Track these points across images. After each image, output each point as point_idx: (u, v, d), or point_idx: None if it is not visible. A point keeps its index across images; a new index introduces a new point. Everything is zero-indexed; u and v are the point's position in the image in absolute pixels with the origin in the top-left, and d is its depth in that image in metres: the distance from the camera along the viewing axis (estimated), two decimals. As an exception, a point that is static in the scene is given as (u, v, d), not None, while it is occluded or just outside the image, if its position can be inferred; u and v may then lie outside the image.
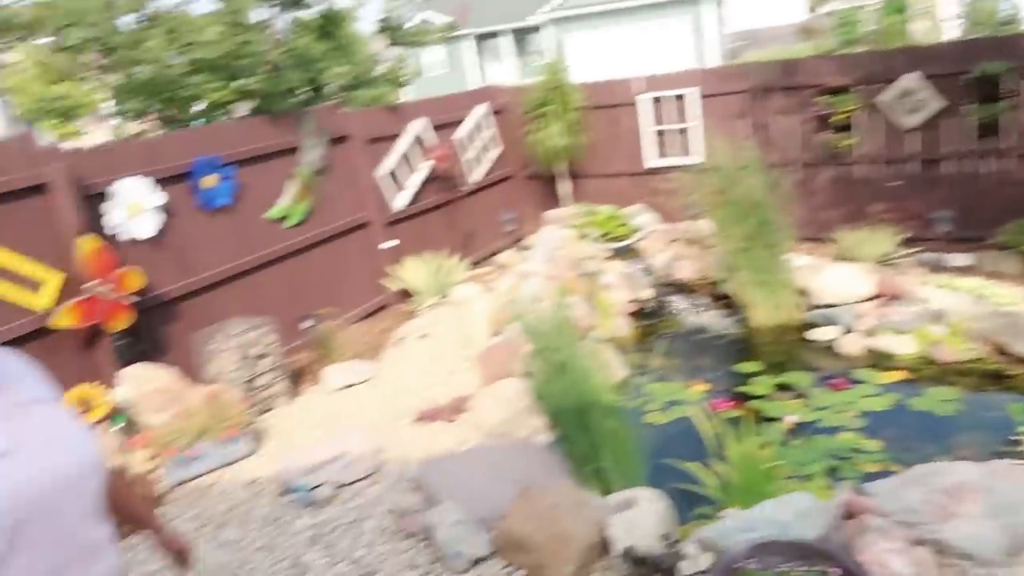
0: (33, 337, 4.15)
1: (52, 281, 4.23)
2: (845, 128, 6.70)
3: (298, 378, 5.45)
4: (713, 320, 6.17)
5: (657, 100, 7.60)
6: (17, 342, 4.04)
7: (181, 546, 1.99)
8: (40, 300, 4.19)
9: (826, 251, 6.58)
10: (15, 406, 1.53)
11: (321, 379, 5.32)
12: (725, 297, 6.24)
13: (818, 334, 5.54)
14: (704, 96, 7.41)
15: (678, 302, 6.30)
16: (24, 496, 1.43)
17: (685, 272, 6.46)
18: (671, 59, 19.36)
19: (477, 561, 3.22)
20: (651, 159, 7.75)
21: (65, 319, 4.21)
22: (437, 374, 5.30)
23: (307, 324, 5.15)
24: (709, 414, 4.12)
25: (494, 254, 7.91)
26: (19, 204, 4.14)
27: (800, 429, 4.35)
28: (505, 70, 25.82)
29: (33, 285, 4.19)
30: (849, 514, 3.18)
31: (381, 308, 6.73)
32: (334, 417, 4.85)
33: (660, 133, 7.69)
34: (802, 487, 3.75)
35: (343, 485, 3.97)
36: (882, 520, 2.98)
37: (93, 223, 4.44)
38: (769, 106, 7.09)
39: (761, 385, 4.96)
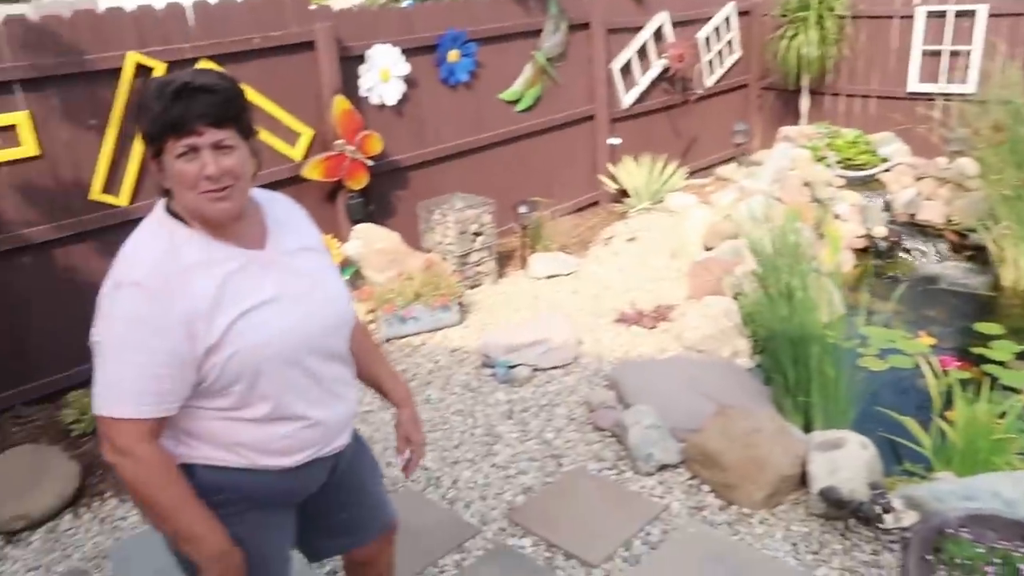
0: (288, 184, 4.56)
1: (305, 135, 4.59)
2: None
3: (505, 261, 5.62)
4: (954, 271, 5.56)
5: (933, 14, 6.70)
6: (275, 187, 4.45)
7: (418, 438, 1.95)
8: (295, 152, 4.58)
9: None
10: (283, 254, 1.60)
11: (527, 265, 5.44)
12: (974, 248, 5.57)
13: (1083, 304, 4.84)
14: (992, 15, 6.43)
15: (916, 245, 5.72)
16: (280, 342, 1.52)
17: (930, 213, 5.81)
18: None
19: (663, 467, 3.24)
20: (914, 82, 6.92)
21: (313, 172, 4.58)
22: (641, 278, 5.25)
23: (523, 209, 5.24)
24: (935, 369, 3.78)
25: (716, 165, 7.56)
26: (287, 59, 4.46)
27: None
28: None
29: (291, 137, 4.57)
30: (1092, 507, 2.84)
31: (593, 204, 6.71)
32: (536, 303, 4.98)
33: (929, 53, 6.81)
34: (1034, 467, 3.39)
35: (540, 369, 4.10)
36: None
37: (346, 85, 4.70)
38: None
39: (1001, 350, 4.45)
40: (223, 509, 1.56)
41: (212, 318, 1.44)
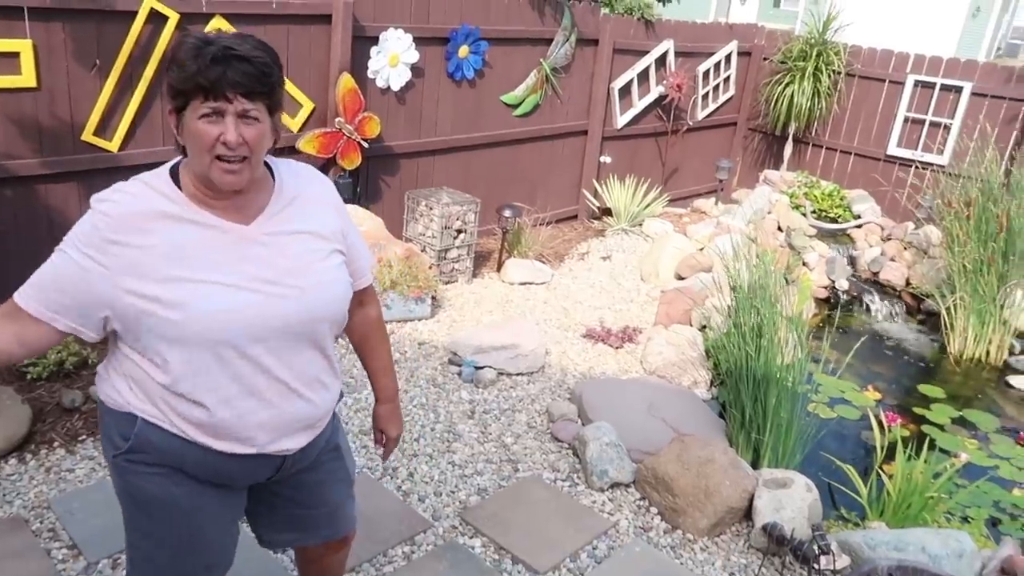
0: (280, 154, 4.49)
1: (306, 107, 4.59)
2: None
3: (482, 261, 5.68)
4: (905, 332, 5.80)
5: (921, 84, 6.97)
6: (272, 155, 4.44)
7: (394, 433, 1.96)
8: (293, 123, 4.57)
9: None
10: (268, 234, 1.54)
11: (503, 269, 5.51)
12: (928, 313, 5.83)
13: (1021, 382, 5.09)
14: (975, 93, 6.72)
15: (874, 303, 5.95)
16: (222, 323, 1.46)
17: (892, 274, 6.05)
18: (933, 36, 17.12)
19: (615, 485, 3.34)
20: (894, 146, 7.19)
21: (308, 146, 4.58)
22: (612, 298, 5.36)
23: (507, 213, 5.30)
24: (881, 423, 3.97)
25: (694, 197, 7.73)
26: (301, 29, 4.45)
27: (970, 471, 4.10)
28: (747, 8, 24.32)
29: (292, 107, 4.56)
30: (1008, 571, 3.01)
31: (572, 218, 6.81)
32: (507, 308, 5.04)
33: (912, 120, 7.08)
34: (958, 527, 3.57)
35: (506, 373, 4.17)
36: (1048, 593, 2.81)
37: (354, 64, 4.71)
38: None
39: (940, 413, 4.67)
40: (157, 467, 1.55)
41: (153, 269, 1.43)
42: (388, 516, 2.99)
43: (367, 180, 5.14)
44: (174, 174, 1.52)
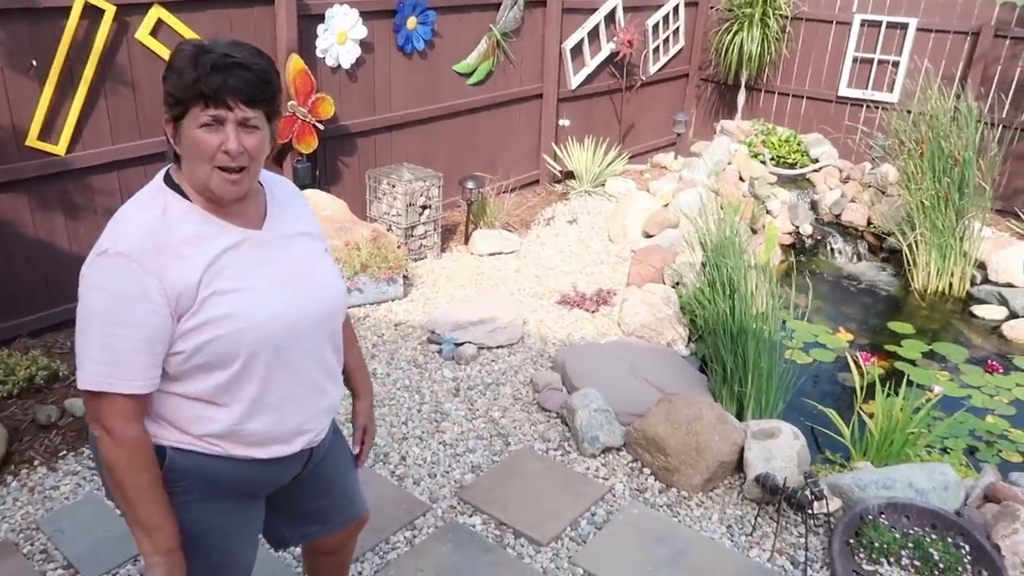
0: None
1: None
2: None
3: (448, 235, 5.62)
4: (870, 271, 5.91)
5: (868, 23, 7.02)
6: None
7: (373, 429, 1.97)
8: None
9: (1016, 226, 6.13)
10: (280, 237, 1.57)
11: (470, 241, 5.46)
12: (890, 251, 5.94)
13: (984, 311, 5.24)
14: (919, 29, 6.79)
15: (838, 244, 6.04)
16: (267, 327, 1.47)
17: (853, 215, 6.14)
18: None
19: (607, 450, 3.37)
20: (844, 87, 7.25)
21: (262, 133, 4.44)
22: (582, 262, 5.36)
23: (471, 185, 5.24)
24: (859, 365, 4.05)
25: (652, 152, 7.74)
26: (244, 12, 4.29)
27: (944, 402, 4.22)
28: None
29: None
30: (991, 497, 3.12)
31: (533, 183, 6.76)
32: (479, 280, 5.01)
33: (861, 60, 7.14)
34: (939, 460, 3.69)
35: (486, 347, 4.15)
36: (1032, 514, 2.92)
37: (302, 44, 4.57)
38: (994, 55, 6.43)
39: (911, 349, 4.79)
40: (190, 495, 1.53)
41: (198, 295, 1.40)
42: (385, 502, 2.98)
43: (325, 163, 5.03)
44: (172, 184, 1.49)
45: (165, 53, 3.99)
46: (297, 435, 1.60)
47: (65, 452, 3.18)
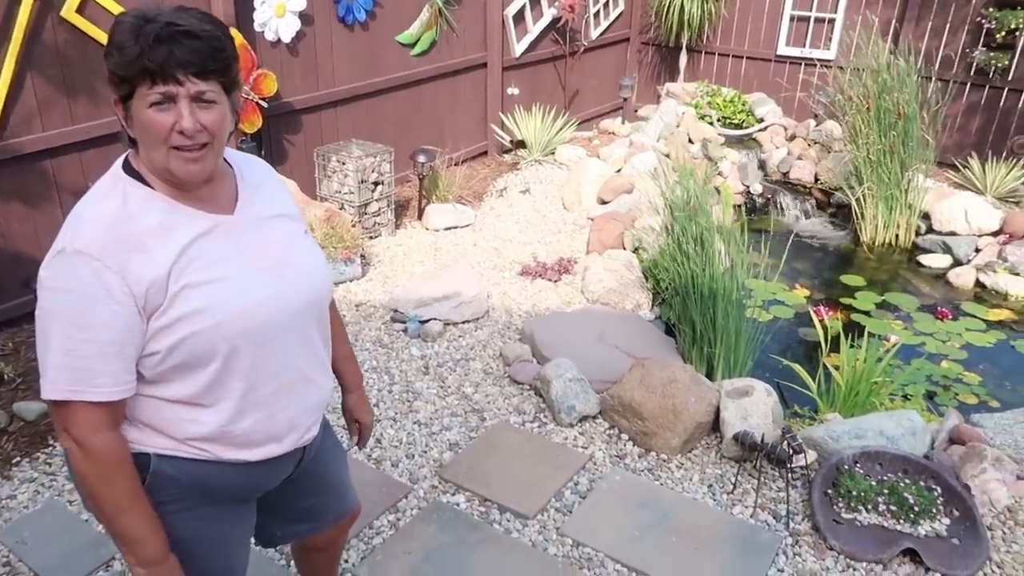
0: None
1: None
2: (1006, 48, 6.22)
3: (401, 211, 5.50)
4: (820, 227, 6.02)
5: (804, -18, 7.08)
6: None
7: (368, 419, 1.90)
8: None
9: (955, 177, 6.31)
10: (254, 220, 1.45)
11: (424, 216, 5.36)
12: (838, 206, 6.06)
13: (930, 260, 5.40)
14: (854, -15, 6.88)
15: (787, 202, 6.13)
16: (249, 319, 1.37)
17: (801, 172, 6.24)
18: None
19: (583, 418, 3.35)
20: (783, 45, 7.32)
21: (203, 113, 4.24)
22: (540, 231, 5.32)
23: (422, 158, 5.12)
24: (822, 320, 4.12)
25: (598, 117, 7.71)
26: (173, -13, 4.06)
27: (901, 350, 4.34)
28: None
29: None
30: (956, 440, 3.22)
31: (482, 154, 6.67)
32: (437, 256, 4.93)
33: (797, 19, 7.21)
34: (903, 407, 3.79)
35: (451, 323, 4.08)
36: (998, 451, 3.02)
37: (239, 18, 4.36)
38: (926, 8, 6.56)
39: (864, 300, 4.91)
40: (179, 504, 1.44)
41: (168, 290, 1.29)
42: (366, 487, 2.90)
43: (271, 142, 4.85)
44: (131, 172, 1.35)
45: (94, 32, 3.75)
46: (289, 431, 1.51)
47: (19, 459, 3.01)
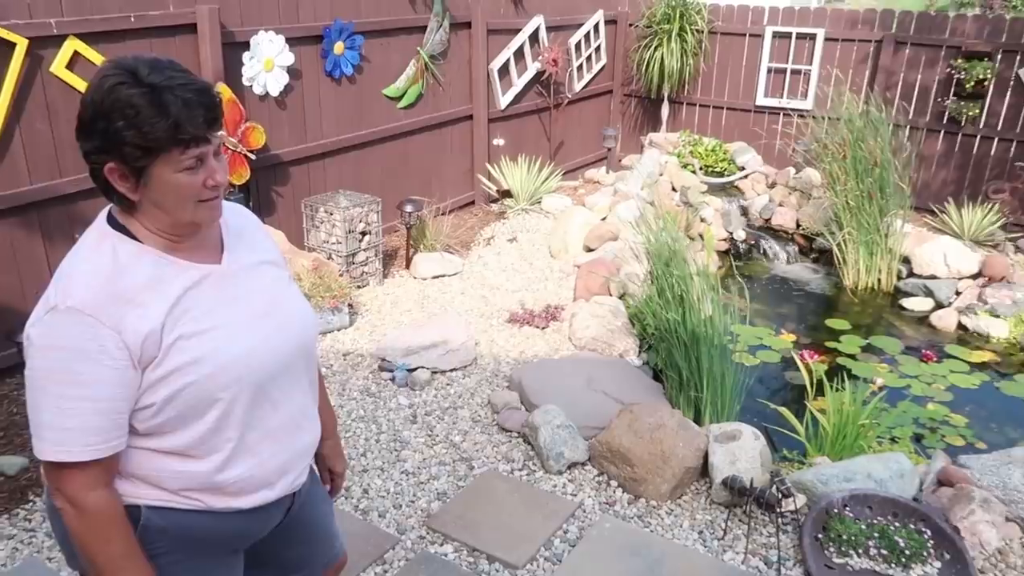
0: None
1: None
2: (976, 97, 6.41)
3: (389, 260, 5.53)
4: (803, 272, 6.10)
5: (778, 35, 7.30)
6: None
7: (341, 468, 1.87)
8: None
9: (933, 221, 6.43)
10: (241, 269, 1.46)
11: (412, 265, 5.39)
12: (820, 251, 6.14)
13: (912, 304, 5.46)
14: (827, 39, 7.10)
15: (770, 247, 6.21)
16: (242, 367, 1.37)
17: (782, 219, 6.34)
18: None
19: (572, 465, 3.33)
20: (761, 96, 7.50)
21: (192, 165, 4.28)
22: (527, 279, 5.35)
23: (409, 208, 5.17)
24: (808, 364, 4.15)
25: (583, 168, 7.83)
26: (166, 42, 4.14)
27: (888, 393, 4.36)
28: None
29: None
30: (944, 482, 3.22)
31: (469, 204, 6.74)
32: (425, 304, 4.94)
33: (775, 71, 7.41)
34: (891, 449, 3.79)
35: (439, 371, 4.08)
36: (986, 493, 3.02)
37: (228, 73, 4.43)
38: (897, 61, 6.77)
39: (849, 343, 4.94)
40: (169, 557, 1.42)
41: (162, 342, 1.29)
42: (352, 538, 2.85)
43: (259, 193, 4.89)
44: (117, 226, 1.36)
45: (84, 87, 3.80)
46: (280, 477, 1.51)
47: (-2, 515, 2.95)
